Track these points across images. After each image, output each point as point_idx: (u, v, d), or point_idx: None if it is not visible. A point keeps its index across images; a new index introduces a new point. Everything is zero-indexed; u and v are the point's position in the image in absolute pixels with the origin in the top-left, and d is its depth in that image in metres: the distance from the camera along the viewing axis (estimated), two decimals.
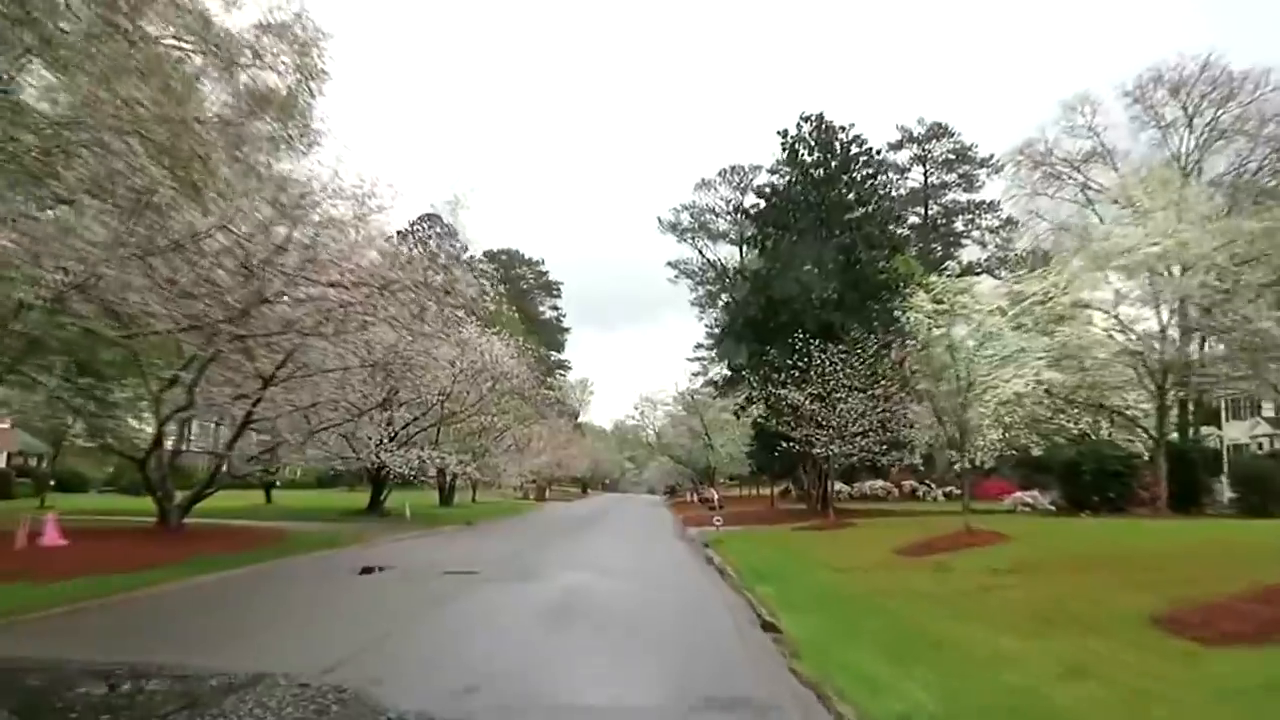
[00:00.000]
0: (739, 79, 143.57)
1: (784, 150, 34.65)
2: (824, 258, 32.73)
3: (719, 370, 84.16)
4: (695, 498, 62.08)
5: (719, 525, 26.10)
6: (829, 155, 34.11)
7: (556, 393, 42.23)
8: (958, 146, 66.21)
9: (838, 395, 23.32)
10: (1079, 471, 25.03)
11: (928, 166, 67.75)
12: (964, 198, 67.46)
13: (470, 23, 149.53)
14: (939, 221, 67.68)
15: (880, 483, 50.60)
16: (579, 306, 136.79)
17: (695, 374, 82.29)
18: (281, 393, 17.52)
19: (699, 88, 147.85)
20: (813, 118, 34.61)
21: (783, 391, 24.33)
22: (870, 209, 34.03)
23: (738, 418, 37.12)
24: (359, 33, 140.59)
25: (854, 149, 34.32)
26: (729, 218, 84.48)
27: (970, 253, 64.86)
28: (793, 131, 34.55)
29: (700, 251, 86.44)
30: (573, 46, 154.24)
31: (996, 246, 64.33)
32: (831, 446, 23.03)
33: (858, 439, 23.69)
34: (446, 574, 13.13)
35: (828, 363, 24.00)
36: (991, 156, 66.49)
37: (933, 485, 51.22)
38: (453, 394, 29.44)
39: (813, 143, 34.26)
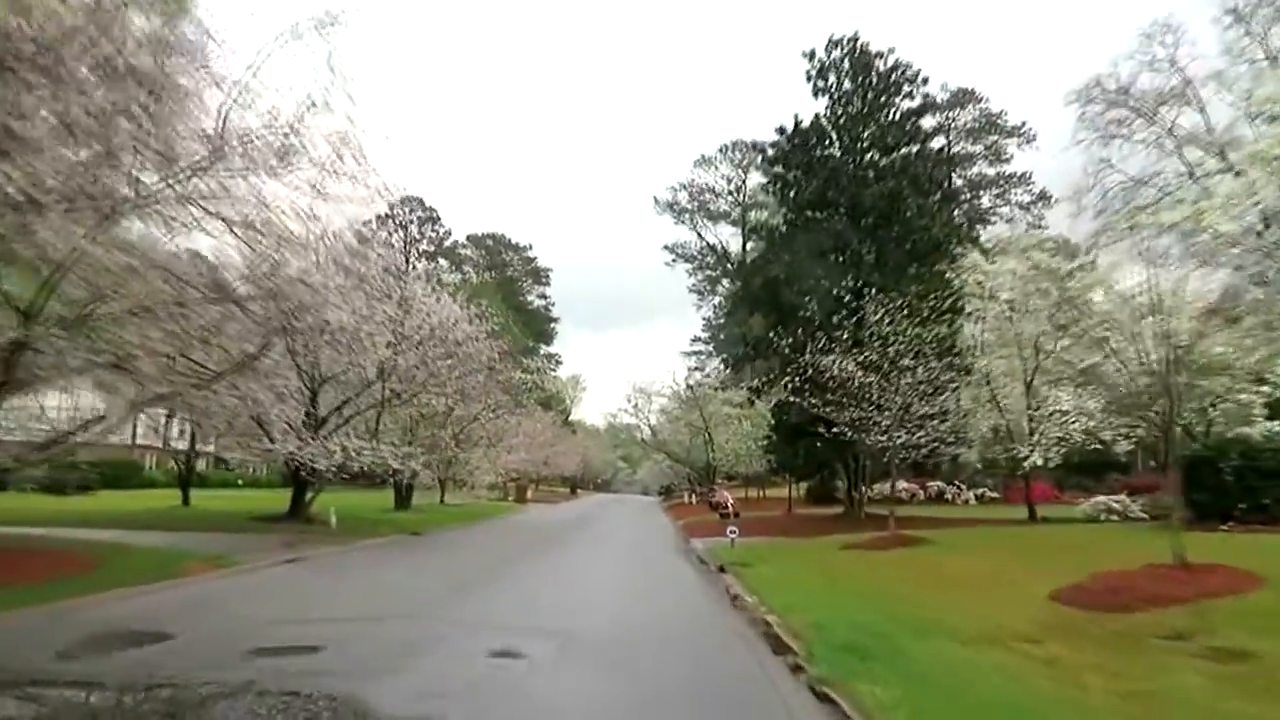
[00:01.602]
0: (739, 59, 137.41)
1: (810, 79, 28.43)
2: (861, 206, 26.52)
3: (716, 365, 78.40)
4: (694, 499, 55.82)
5: (734, 538, 19.92)
6: (865, 84, 27.90)
7: (534, 377, 35.79)
8: (985, 113, 60.10)
9: (906, 364, 16.97)
10: (1216, 470, 18.79)
11: (950, 137, 61.56)
12: (991, 170, 61.40)
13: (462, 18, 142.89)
14: (963, 196, 61.54)
15: (903, 484, 44.49)
16: (573, 308, 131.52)
17: (694, 368, 76.30)
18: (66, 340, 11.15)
19: (697, 75, 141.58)
20: (844, 41, 28.42)
21: (826, 359, 17.98)
22: (917, 148, 27.90)
23: (752, 404, 30.94)
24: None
25: (895, 76, 28.11)
26: (730, 198, 78.42)
27: (998, 230, 58.76)
28: (821, 56, 28.35)
29: (699, 234, 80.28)
30: (569, 45, 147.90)
31: (1028, 224, 58.25)
32: (896, 434, 16.66)
33: (928, 423, 17.35)
34: (259, 657, 6.82)
35: (887, 319, 17.72)
36: (1023, 125, 60.51)
37: (962, 486, 45.16)
38: (395, 368, 23.15)
39: (846, 69, 28.06)
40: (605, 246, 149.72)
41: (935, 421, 17.61)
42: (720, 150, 78.03)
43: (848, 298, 20.09)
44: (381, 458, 22.93)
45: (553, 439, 65.40)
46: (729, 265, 76.17)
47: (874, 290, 22.95)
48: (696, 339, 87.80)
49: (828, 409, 17.87)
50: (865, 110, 27.83)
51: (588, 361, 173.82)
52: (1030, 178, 57.86)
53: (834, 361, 17.77)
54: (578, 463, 78.92)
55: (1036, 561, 12.40)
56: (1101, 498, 26.22)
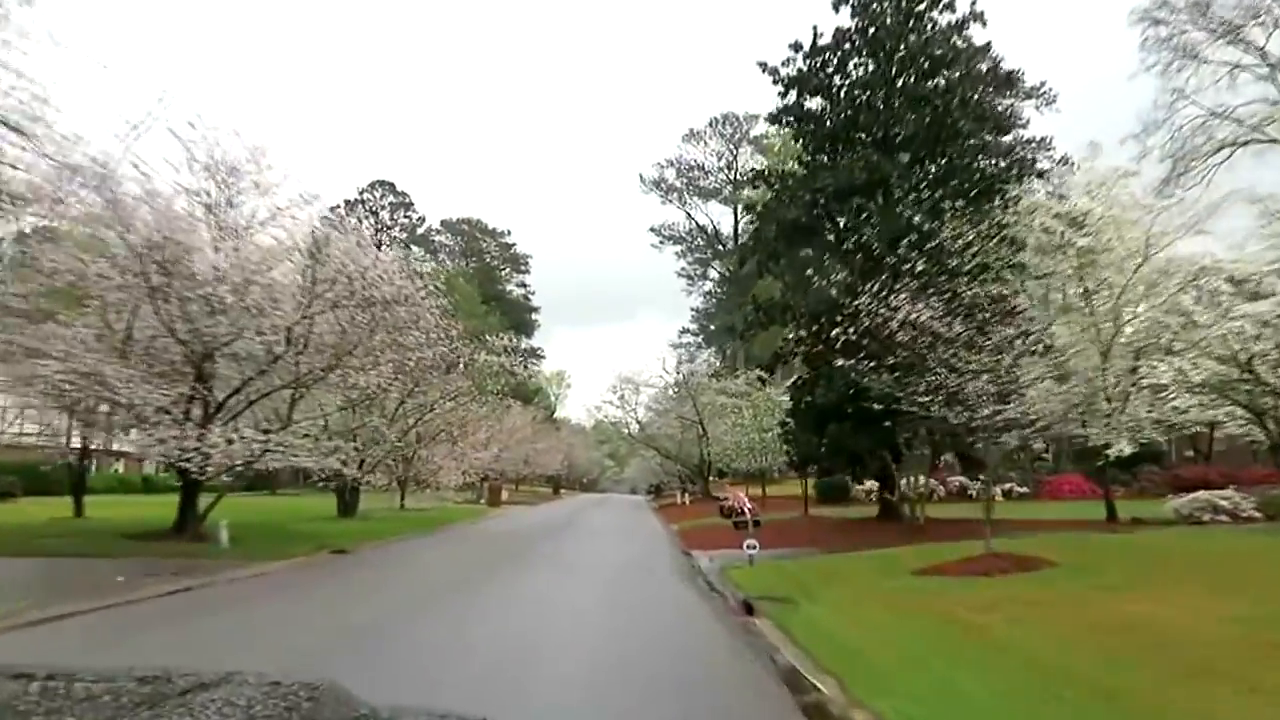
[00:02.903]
0: (725, 34, 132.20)
1: None
2: (898, 136, 21.46)
3: (707, 356, 73.40)
4: (686, 498, 50.61)
5: (753, 554, 14.74)
6: None
7: (502, 359, 30.49)
8: (999, 72, 54.97)
9: (1018, 305, 11.76)
10: None
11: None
12: (1005, 136, 56.35)
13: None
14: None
15: (921, 479, 39.37)
16: (556, 305, 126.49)
17: (684, 360, 71.26)
18: None
19: (679, 55, 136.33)
20: None
21: (888, 306, 12.57)
22: (968, 68, 22.96)
23: (763, 384, 25.70)
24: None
25: None
26: (722, 174, 73.11)
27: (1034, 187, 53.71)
28: None
29: (688, 213, 74.96)
30: (545, 26, 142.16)
31: (1047, 195, 53.27)
32: (1007, 408, 11.21)
33: (1047, 395, 12.04)
34: None
35: (977, 245, 12.52)
36: (1043, 85, 55.46)
37: (987, 482, 39.87)
38: (309, 337, 17.74)
39: None
40: (587, 242, 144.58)
41: (1064, 391, 12.36)
42: (710, 124, 72.95)
43: (918, 218, 15.13)
44: (292, 451, 17.60)
45: (533, 436, 60.05)
46: (720, 246, 71.11)
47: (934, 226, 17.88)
48: (685, 330, 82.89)
49: (894, 376, 12.66)
50: (898, 23, 22.69)
51: (572, 359, 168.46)
52: (1050, 142, 52.87)
53: (905, 305, 12.36)
54: (561, 461, 73.69)
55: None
56: (1203, 493, 21.21)
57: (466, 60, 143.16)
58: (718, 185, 73.77)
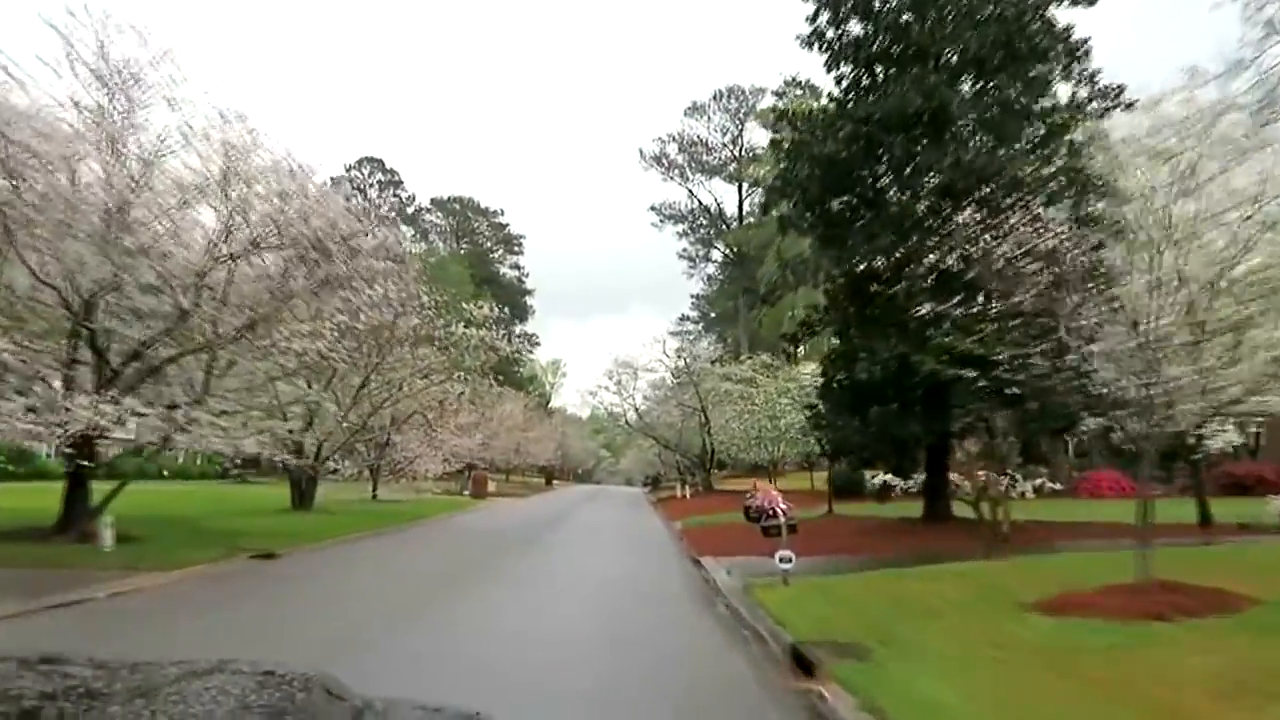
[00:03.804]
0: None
1: None
2: (956, 54, 17.81)
3: (708, 344, 69.68)
4: (686, 491, 46.97)
5: (787, 570, 11.10)
6: None
7: (485, 333, 26.80)
8: None
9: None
10: None
11: None
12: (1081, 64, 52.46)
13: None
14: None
15: (982, 473, 35.60)
16: (552, 297, 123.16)
17: (679, 350, 67.75)
18: None
19: (677, 31, 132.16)
20: None
21: (997, 233, 8.60)
22: None
23: (789, 358, 22.04)
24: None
25: None
26: (726, 150, 69.03)
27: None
28: None
29: (690, 190, 70.87)
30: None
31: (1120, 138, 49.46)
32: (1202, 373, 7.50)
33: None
34: None
35: None
36: (1084, 40, 51.71)
37: (1017, 476, 36.25)
38: (229, 287, 14.00)
39: None
40: (582, 232, 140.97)
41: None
42: (714, 97, 68.87)
43: (985, 150, 11.41)
44: (199, 431, 13.88)
45: (524, 424, 56.63)
46: (724, 225, 67.25)
47: (981, 172, 14.24)
48: (685, 318, 79.23)
49: (996, 332, 9.00)
50: None
51: (568, 351, 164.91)
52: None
53: (1022, 231, 8.54)
54: (554, 451, 70.18)
55: None
56: None
57: (457, 33, 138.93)
58: (721, 161, 69.87)
